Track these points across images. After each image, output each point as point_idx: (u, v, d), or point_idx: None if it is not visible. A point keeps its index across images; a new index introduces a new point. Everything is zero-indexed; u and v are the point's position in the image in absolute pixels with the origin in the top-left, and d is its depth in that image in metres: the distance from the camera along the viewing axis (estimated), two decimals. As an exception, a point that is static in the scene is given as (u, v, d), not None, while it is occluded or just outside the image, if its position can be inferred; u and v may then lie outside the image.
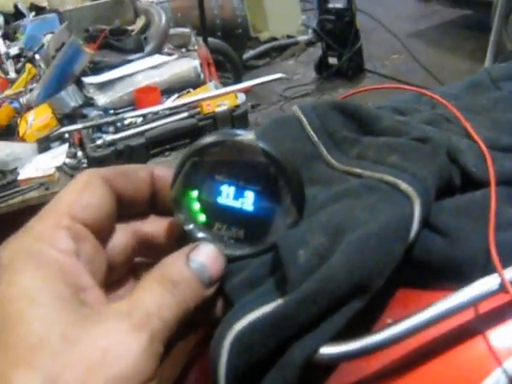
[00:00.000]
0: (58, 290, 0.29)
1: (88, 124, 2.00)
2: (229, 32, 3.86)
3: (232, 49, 3.76)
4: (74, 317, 0.28)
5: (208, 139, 0.34)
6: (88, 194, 0.33)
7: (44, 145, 2.09)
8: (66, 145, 2.07)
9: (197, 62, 2.32)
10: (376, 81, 4.10)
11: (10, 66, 2.75)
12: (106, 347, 0.27)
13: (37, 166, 1.98)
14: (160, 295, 0.31)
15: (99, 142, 1.91)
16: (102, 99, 2.19)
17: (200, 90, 2.21)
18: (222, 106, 1.99)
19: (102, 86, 2.22)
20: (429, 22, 5.05)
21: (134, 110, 2.13)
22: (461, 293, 0.32)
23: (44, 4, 3.59)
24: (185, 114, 2.01)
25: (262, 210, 0.35)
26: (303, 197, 0.35)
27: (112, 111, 2.16)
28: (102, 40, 2.36)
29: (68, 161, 1.98)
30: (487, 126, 0.45)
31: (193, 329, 0.38)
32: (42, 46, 2.68)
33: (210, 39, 3.16)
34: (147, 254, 0.39)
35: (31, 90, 2.37)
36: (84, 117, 2.14)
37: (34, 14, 3.48)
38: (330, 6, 4.16)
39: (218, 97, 2.04)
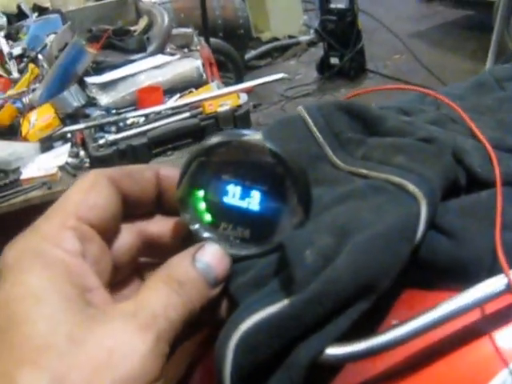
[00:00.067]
0: (64, 291, 0.29)
1: (90, 124, 2.00)
2: (231, 32, 3.86)
3: (234, 49, 3.76)
4: (80, 317, 0.28)
5: (215, 139, 0.34)
6: (94, 194, 0.33)
7: (46, 144, 2.09)
8: (69, 144, 2.07)
9: (199, 62, 2.32)
10: (378, 81, 4.10)
11: (12, 66, 2.75)
12: (112, 347, 0.27)
13: (39, 165, 1.98)
14: (166, 295, 0.31)
15: (101, 141, 1.91)
16: (104, 99, 2.19)
17: (202, 90, 2.21)
18: (224, 106, 1.99)
19: (105, 86, 2.22)
20: (430, 23, 5.04)
21: (136, 109, 2.13)
22: (467, 294, 0.32)
23: (47, 4, 3.59)
24: (187, 114, 2.01)
25: (268, 209, 0.35)
26: (310, 197, 0.35)
27: (114, 111, 2.16)
28: (104, 40, 2.36)
29: (70, 160, 1.98)
30: (492, 126, 0.45)
31: (197, 329, 0.38)
32: (45, 46, 2.68)
33: (212, 39, 3.16)
34: (152, 254, 0.39)
35: (34, 89, 2.37)
36: (86, 117, 2.14)
37: (36, 14, 3.48)
38: (332, 6, 4.15)
39: (220, 97, 2.04)
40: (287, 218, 0.35)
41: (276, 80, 2.26)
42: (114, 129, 1.99)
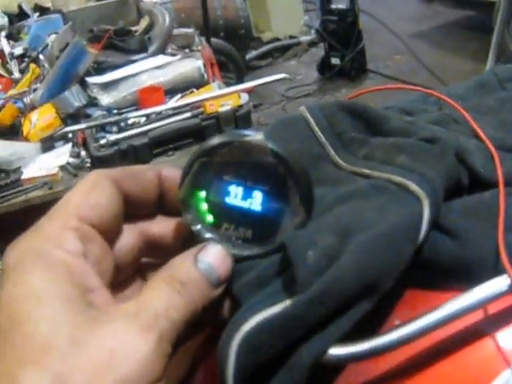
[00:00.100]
0: (65, 291, 0.29)
1: (92, 124, 2.01)
2: (232, 32, 3.86)
3: (235, 49, 3.76)
4: (82, 318, 0.28)
5: (216, 140, 0.34)
6: (96, 194, 0.33)
7: (48, 144, 2.09)
8: (70, 144, 2.08)
9: (200, 63, 2.32)
10: (379, 81, 4.09)
11: (14, 65, 2.76)
12: (114, 348, 0.27)
13: (40, 165, 1.98)
14: (168, 296, 0.31)
15: (103, 141, 1.91)
16: (105, 99, 2.19)
17: (203, 90, 2.21)
18: (226, 106, 1.99)
19: (106, 86, 2.22)
20: (431, 23, 5.04)
21: (137, 109, 2.13)
22: (470, 294, 0.32)
23: (48, 4, 3.59)
24: (188, 114, 2.01)
25: (270, 210, 0.35)
26: (312, 197, 0.35)
27: (116, 111, 2.17)
28: (106, 40, 2.36)
29: (71, 160, 1.99)
30: (495, 126, 0.44)
31: (200, 329, 0.38)
32: (46, 46, 2.69)
33: (213, 40, 3.16)
34: (154, 255, 0.39)
35: (35, 89, 2.37)
36: (88, 117, 2.14)
37: (38, 14, 3.49)
38: (333, 6, 4.15)
39: (222, 97, 2.04)
40: (289, 218, 0.35)
41: (277, 80, 2.26)
42: (115, 129, 2.00)
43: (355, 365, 0.34)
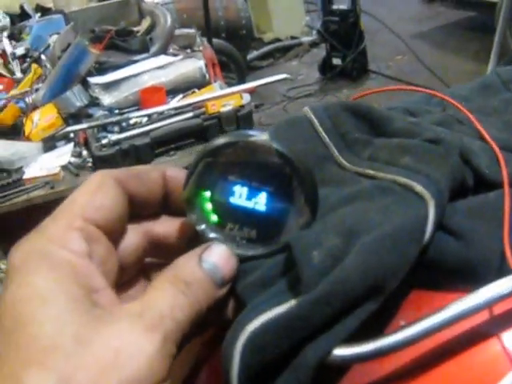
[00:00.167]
0: (70, 291, 0.29)
1: (93, 124, 2.01)
2: (233, 33, 3.87)
3: (236, 49, 3.76)
4: (87, 318, 0.28)
5: (221, 140, 0.34)
6: (101, 195, 0.33)
7: (49, 144, 2.10)
8: (71, 144, 2.08)
9: (202, 63, 2.33)
10: (380, 82, 4.10)
11: (16, 66, 2.76)
12: (119, 348, 0.27)
13: (42, 165, 1.98)
14: (172, 296, 0.30)
15: (104, 141, 1.91)
16: (107, 99, 2.19)
17: (205, 91, 2.21)
18: (227, 106, 1.99)
19: (108, 86, 2.22)
20: (433, 24, 5.05)
21: (139, 109, 2.14)
22: (475, 294, 0.32)
23: (50, 5, 3.60)
24: (190, 114, 2.01)
25: (274, 210, 0.35)
26: (316, 197, 0.35)
27: (117, 111, 2.17)
28: (107, 41, 2.36)
29: (73, 160, 1.99)
30: (499, 127, 0.44)
31: (204, 329, 0.38)
32: (48, 46, 2.69)
33: (215, 40, 3.16)
34: (158, 255, 0.39)
35: (37, 89, 2.37)
36: (89, 116, 2.14)
37: (39, 14, 3.50)
38: (334, 7, 4.16)
39: (223, 97, 2.04)
40: (294, 218, 0.35)
41: (279, 80, 2.26)
42: (116, 129, 2.00)
43: (360, 365, 0.34)
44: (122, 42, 2.42)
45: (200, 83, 2.29)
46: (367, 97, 0.52)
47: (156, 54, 2.41)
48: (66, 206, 0.33)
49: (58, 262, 0.29)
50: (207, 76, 2.32)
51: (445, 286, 0.36)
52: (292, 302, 0.31)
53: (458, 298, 0.32)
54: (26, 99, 2.32)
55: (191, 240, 0.36)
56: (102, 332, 0.28)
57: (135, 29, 2.56)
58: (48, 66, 2.49)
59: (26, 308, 0.28)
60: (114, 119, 2.03)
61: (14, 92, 2.48)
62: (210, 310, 0.32)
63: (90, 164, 1.95)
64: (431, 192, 0.34)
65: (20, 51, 2.86)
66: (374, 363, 0.33)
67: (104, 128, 2.02)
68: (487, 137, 0.41)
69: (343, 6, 4.10)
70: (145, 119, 2.05)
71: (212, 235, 0.36)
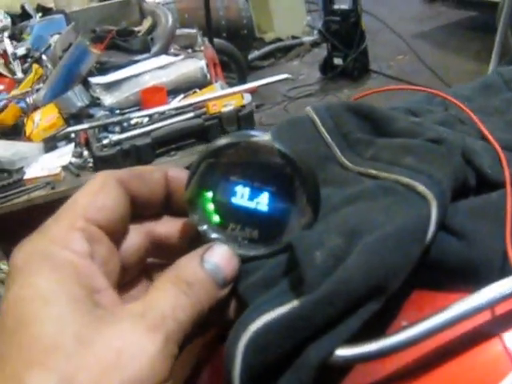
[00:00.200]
0: (72, 292, 0.29)
1: (94, 124, 2.01)
2: (234, 33, 3.87)
3: (237, 49, 3.76)
4: (89, 318, 0.28)
5: (223, 140, 0.34)
6: (103, 196, 0.33)
7: (50, 144, 2.09)
8: (72, 144, 2.08)
9: (203, 63, 2.32)
10: (381, 82, 4.10)
11: (16, 66, 2.76)
12: (121, 348, 0.27)
13: (43, 165, 1.98)
14: (174, 296, 0.31)
15: (105, 141, 1.91)
16: (108, 99, 2.19)
17: (206, 91, 2.21)
18: (228, 106, 1.99)
19: (109, 87, 2.22)
20: (434, 23, 5.05)
21: (140, 110, 2.13)
22: (477, 295, 0.32)
23: (51, 5, 3.60)
24: (191, 114, 2.01)
25: (276, 210, 0.35)
26: (319, 197, 0.35)
27: (118, 111, 2.17)
28: (108, 41, 2.36)
29: (74, 160, 1.99)
30: (501, 127, 0.44)
31: (205, 329, 0.38)
32: (49, 46, 2.68)
33: (216, 40, 3.16)
34: (160, 255, 0.39)
35: (38, 90, 2.37)
36: (90, 117, 2.14)
37: (40, 14, 3.49)
38: (336, 7, 4.16)
39: (224, 97, 2.04)
40: (296, 218, 0.35)
41: (280, 80, 2.26)
42: (117, 129, 2.00)
43: (362, 365, 0.34)
44: (123, 41, 2.42)
45: (201, 83, 2.29)
46: (368, 96, 0.52)
47: (157, 54, 2.41)
48: (68, 206, 0.33)
49: (60, 263, 0.29)
50: (208, 76, 2.32)
51: (447, 286, 0.36)
52: (294, 303, 0.31)
53: (460, 298, 0.32)
54: (27, 99, 2.32)
55: (193, 240, 0.36)
56: (104, 332, 0.28)
57: (136, 29, 2.56)
58: (49, 66, 2.48)
59: (28, 308, 0.28)
60: (115, 119, 2.03)
61: (14, 92, 2.48)
62: (212, 310, 0.32)
63: (90, 164, 1.94)
64: (434, 192, 0.34)
65: (21, 51, 2.85)
66: (376, 363, 0.33)
67: (105, 128, 2.02)
68: (489, 137, 0.41)
69: (344, 6, 4.10)
70: (146, 119, 2.04)
71: (214, 235, 0.36)
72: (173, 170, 0.37)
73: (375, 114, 0.43)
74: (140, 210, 0.36)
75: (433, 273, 0.36)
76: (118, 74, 2.26)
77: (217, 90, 2.18)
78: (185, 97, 2.23)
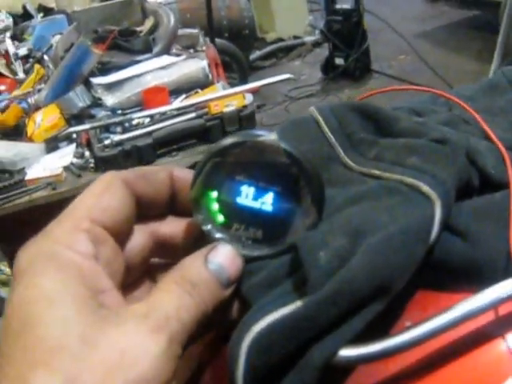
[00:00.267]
0: (76, 293, 0.29)
1: (96, 124, 2.00)
2: (236, 33, 3.87)
3: (239, 49, 3.76)
4: (93, 318, 0.28)
5: (229, 140, 0.34)
6: (108, 196, 0.33)
7: (52, 145, 2.09)
8: (74, 145, 2.07)
9: (205, 63, 2.32)
10: (383, 81, 4.10)
11: (18, 66, 2.76)
12: (125, 349, 0.27)
13: (44, 165, 1.98)
14: (178, 297, 0.31)
15: (107, 142, 1.91)
16: (110, 100, 2.19)
17: (208, 91, 2.21)
18: (230, 107, 1.99)
19: (110, 87, 2.22)
20: (436, 23, 5.04)
21: (141, 110, 2.13)
22: (481, 295, 0.32)
23: (52, 5, 3.60)
24: (192, 115, 2.00)
25: (281, 210, 0.35)
26: (323, 198, 0.35)
27: (120, 111, 2.16)
28: (110, 41, 2.36)
29: (75, 161, 1.98)
30: (505, 127, 0.44)
31: (208, 330, 0.38)
32: (51, 46, 2.68)
33: (217, 40, 3.16)
34: (164, 255, 0.39)
35: (39, 90, 2.37)
36: (92, 117, 2.14)
37: (42, 14, 3.50)
38: (338, 6, 4.16)
39: (226, 97, 2.04)
40: (300, 218, 0.35)
41: (282, 80, 2.26)
42: (119, 129, 1.99)
43: (365, 366, 0.34)
44: (124, 42, 2.42)
45: (203, 83, 2.29)
46: (371, 97, 0.52)
47: (159, 54, 2.41)
48: (72, 207, 0.33)
49: (65, 264, 0.29)
50: (210, 76, 2.32)
51: (450, 286, 0.36)
52: (298, 303, 0.31)
53: (464, 298, 0.32)
54: (29, 100, 2.31)
55: (197, 240, 0.36)
56: (108, 333, 0.28)
57: (138, 29, 2.55)
58: (50, 66, 2.48)
59: (32, 309, 0.28)
60: (116, 120, 2.03)
61: (16, 93, 2.48)
62: (215, 310, 0.32)
63: (92, 165, 1.94)
64: (438, 192, 0.34)
65: (22, 51, 2.85)
66: (379, 364, 0.33)
67: (106, 129, 2.01)
68: (493, 137, 0.41)
69: (346, 6, 4.10)
70: (147, 120, 2.04)
71: (218, 235, 0.36)
72: (178, 170, 0.37)
73: (379, 114, 0.43)
74: (145, 210, 0.36)
75: (436, 273, 0.36)
76: (120, 75, 2.26)
77: (218, 90, 2.18)
78: (186, 97, 2.22)
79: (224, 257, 0.33)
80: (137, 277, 0.37)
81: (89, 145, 2.00)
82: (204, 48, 2.53)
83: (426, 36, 4.78)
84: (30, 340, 0.27)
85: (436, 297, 0.36)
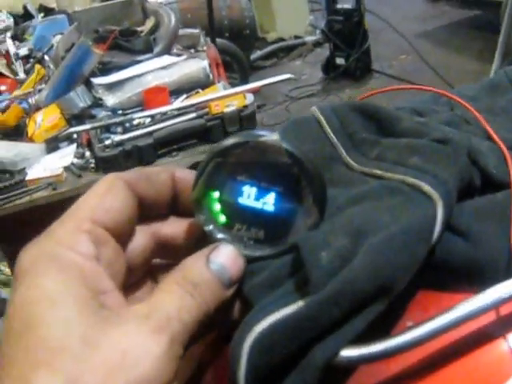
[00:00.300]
0: (78, 293, 0.29)
1: (96, 124, 2.00)
2: (237, 33, 3.87)
3: (239, 49, 3.76)
4: (94, 319, 0.28)
5: (231, 140, 0.34)
6: (110, 197, 0.33)
7: (52, 145, 2.09)
8: (74, 145, 2.07)
9: (206, 63, 2.32)
10: (383, 81, 4.10)
11: (19, 66, 2.76)
12: (126, 349, 0.27)
13: (45, 166, 1.98)
14: (180, 297, 0.31)
15: (107, 142, 1.91)
16: (110, 100, 2.19)
17: (209, 91, 2.21)
18: (231, 107, 1.99)
19: (111, 87, 2.22)
20: (437, 23, 5.04)
21: (142, 110, 2.13)
22: (482, 295, 0.32)
23: (53, 5, 3.60)
24: (193, 115, 2.00)
25: (283, 210, 0.35)
26: (325, 198, 0.35)
27: (120, 112, 2.16)
28: (111, 41, 2.36)
29: (76, 161, 1.98)
30: (507, 127, 0.44)
31: (210, 330, 0.38)
32: (51, 46, 2.68)
33: (218, 40, 3.16)
34: (165, 256, 0.39)
35: (40, 90, 2.37)
36: (92, 117, 2.14)
37: (42, 15, 3.50)
38: (339, 6, 4.15)
39: (227, 97, 2.04)
40: (302, 218, 0.35)
41: (283, 80, 2.25)
42: (119, 129, 1.99)
43: (366, 366, 0.34)
44: (125, 42, 2.42)
45: (204, 83, 2.29)
46: (372, 97, 0.52)
47: (160, 54, 2.41)
48: (74, 208, 0.33)
49: (67, 265, 0.30)
50: (211, 76, 2.32)
51: (452, 286, 0.36)
52: (300, 303, 0.31)
53: (465, 298, 0.32)
54: (29, 100, 2.31)
55: (199, 241, 0.36)
56: (110, 334, 0.28)
57: (139, 29, 2.55)
58: (51, 66, 2.48)
59: (34, 310, 0.28)
60: (117, 120, 2.03)
61: (17, 93, 2.48)
62: (217, 310, 0.32)
63: (92, 165, 1.94)
64: (439, 192, 0.34)
65: (23, 52, 2.85)
66: (380, 364, 0.33)
67: (107, 129, 2.01)
68: (495, 137, 0.41)
69: (347, 5, 4.10)
70: (148, 120, 2.04)
71: (220, 236, 0.36)
72: (180, 171, 0.37)
73: (381, 113, 0.43)
74: (147, 211, 0.36)
75: (438, 273, 0.36)
76: (121, 75, 2.26)
77: (219, 90, 2.18)
78: (187, 97, 2.22)
79: (226, 257, 0.33)
80: (139, 277, 0.37)
81: (89, 145, 2.00)
82: (205, 48, 2.53)
83: (427, 36, 4.78)
84: (31, 340, 0.27)
85: (437, 297, 0.36)
